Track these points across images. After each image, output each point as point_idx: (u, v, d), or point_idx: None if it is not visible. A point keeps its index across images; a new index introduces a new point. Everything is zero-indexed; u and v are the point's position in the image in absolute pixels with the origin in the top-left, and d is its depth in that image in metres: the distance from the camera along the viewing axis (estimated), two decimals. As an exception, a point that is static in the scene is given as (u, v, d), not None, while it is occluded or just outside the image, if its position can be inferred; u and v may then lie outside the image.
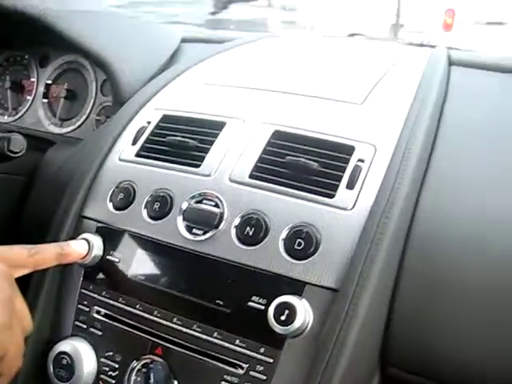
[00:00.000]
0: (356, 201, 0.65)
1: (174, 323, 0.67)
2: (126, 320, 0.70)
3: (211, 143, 0.75)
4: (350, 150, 0.70)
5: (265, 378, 0.62)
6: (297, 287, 0.63)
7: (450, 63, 0.91)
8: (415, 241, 0.65)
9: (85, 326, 0.72)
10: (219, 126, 0.77)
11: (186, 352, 0.66)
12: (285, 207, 0.67)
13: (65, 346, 0.71)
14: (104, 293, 0.72)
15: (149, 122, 0.82)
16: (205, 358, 0.65)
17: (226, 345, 0.64)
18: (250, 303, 0.64)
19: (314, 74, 0.87)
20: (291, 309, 0.61)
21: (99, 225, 0.75)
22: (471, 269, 0.63)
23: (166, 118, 0.81)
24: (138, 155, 0.78)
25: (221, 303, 0.66)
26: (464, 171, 0.69)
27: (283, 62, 0.94)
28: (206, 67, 0.94)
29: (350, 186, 0.67)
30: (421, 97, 0.77)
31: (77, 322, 0.73)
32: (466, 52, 1.08)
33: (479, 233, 0.64)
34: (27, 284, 0.72)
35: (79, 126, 1.03)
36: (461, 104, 0.80)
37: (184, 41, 1.12)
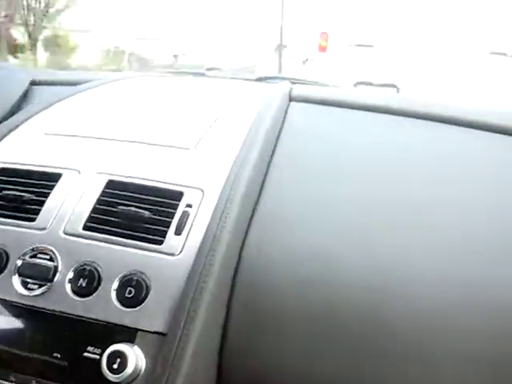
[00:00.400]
0: (183, 246, 0.69)
1: (11, 381, 0.67)
2: None
3: (47, 196, 0.76)
4: (178, 195, 0.73)
5: None
6: (129, 334, 0.65)
7: (291, 99, 0.92)
8: (243, 278, 0.68)
9: None
10: (55, 177, 0.78)
11: None
12: (116, 257, 0.69)
13: None
14: None
15: None
16: None
17: None
18: (86, 354, 0.65)
19: (154, 119, 0.90)
20: (122, 357, 0.63)
21: None
22: (294, 303, 0.66)
23: (3, 171, 0.81)
24: None
25: (58, 356, 0.66)
26: (287, 212, 0.72)
27: (126, 106, 0.96)
28: (51, 114, 0.94)
29: (178, 231, 0.70)
30: (251, 137, 0.80)
31: None
32: (309, 87, 1.07)
33: (301, 271, 0.67)
34: None
35: None
36: (294, 142, 0.82)
37: (34, 83, 1.10)
